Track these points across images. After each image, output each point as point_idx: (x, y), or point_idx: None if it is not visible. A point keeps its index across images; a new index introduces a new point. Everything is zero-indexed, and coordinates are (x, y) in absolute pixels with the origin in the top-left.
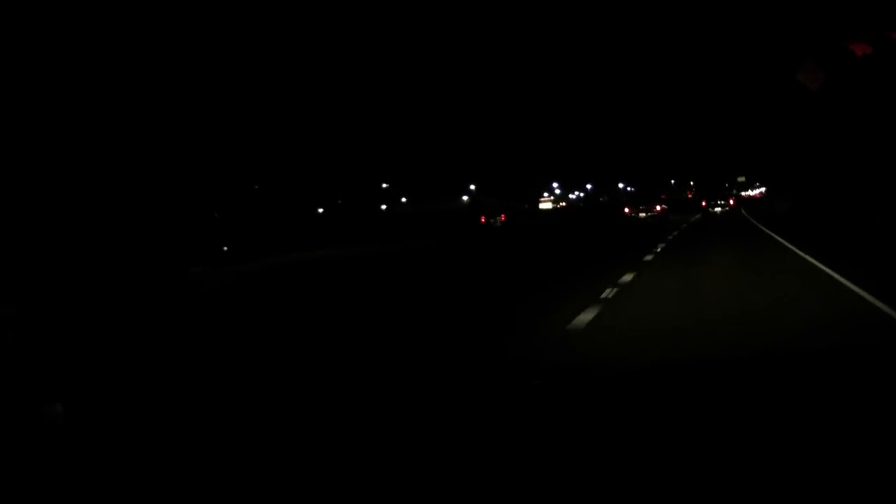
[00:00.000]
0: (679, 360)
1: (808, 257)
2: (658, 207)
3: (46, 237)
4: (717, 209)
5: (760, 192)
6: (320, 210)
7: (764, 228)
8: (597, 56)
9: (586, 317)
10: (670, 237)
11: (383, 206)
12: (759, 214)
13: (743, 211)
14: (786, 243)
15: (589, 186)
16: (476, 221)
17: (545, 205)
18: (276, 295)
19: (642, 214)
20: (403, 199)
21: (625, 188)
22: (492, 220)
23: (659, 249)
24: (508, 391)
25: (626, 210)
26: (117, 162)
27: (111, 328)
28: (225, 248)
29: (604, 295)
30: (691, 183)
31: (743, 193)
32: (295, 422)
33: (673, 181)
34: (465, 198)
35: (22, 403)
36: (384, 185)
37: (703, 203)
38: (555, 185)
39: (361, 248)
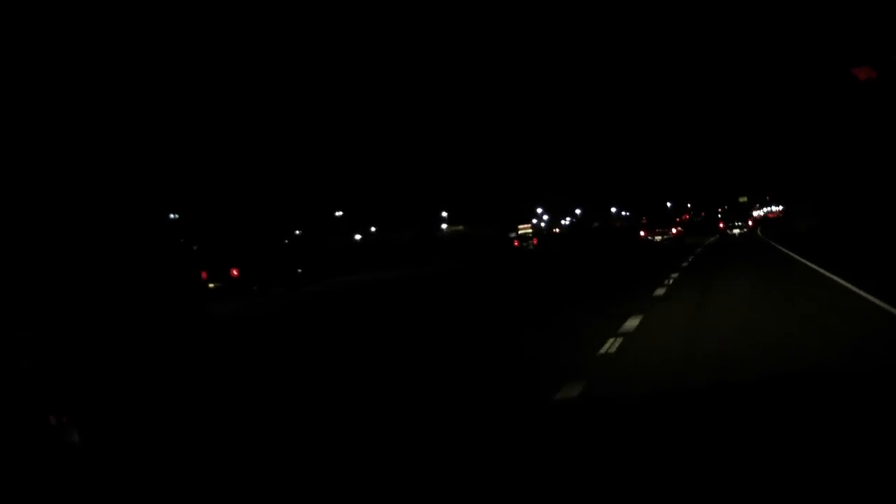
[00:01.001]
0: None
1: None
2: (674, 230)
3: (61, 260)
4: (736, 231)
5: (772, 212)
6: (286, 241)
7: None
8: (582, 73)
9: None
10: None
11: (357, 236)
12: (779, 235)
13: (759, 232)
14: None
15: (578, 211)
16: (509, 245)
17: (525, 231)
18: (340, 312)
19: (658, 238)
20: (373, 228)
21: (618, 212)
22: (524, 244)
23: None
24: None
25: (642, 233)
26: (128, 191)
27: (126, 352)
28: (299, 271)
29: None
30: (689, 205)
31: (756, 214)
32: (311, 430)
33: (669, 204)
34: (444, 226)
35: (40, 428)
36: (338, 214)
37: (721, 225)
38: (539, 210)
39: (405, 270)
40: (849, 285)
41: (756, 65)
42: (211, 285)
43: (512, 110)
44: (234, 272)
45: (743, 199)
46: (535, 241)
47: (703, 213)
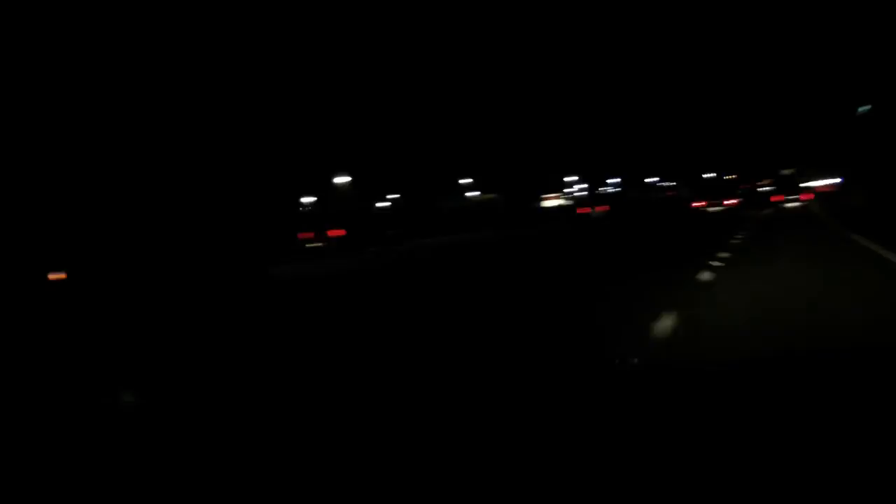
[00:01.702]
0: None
1: None
2: (729, 201)
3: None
4: (791, 204)
5: (824, 185)
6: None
7: None
8: (617, 38)
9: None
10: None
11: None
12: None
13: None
14: None
15: (613, 180)
16: (571, 212)
17: (551, 202)
18: (429, 270)
19: (714, 208)
20: (396, 196)
21: (653, 184)
22: (592, 211)
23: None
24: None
25: (695, 203)
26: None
27: (185, 317)
28: (390, 233)
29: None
30: (730, 177)
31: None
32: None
33: (706, 176)
34: (472, 193)
35: (95, 391)
36: (337, 180)
37: (781, 196)
38: (566, 179)
39: (482, 233)
40: None
41: (803, 34)
42: (316, 245)
43: (542, 75)
44: (333, 233)
45: (787, 172)
46: (606, 208)
47: (742, 186)
